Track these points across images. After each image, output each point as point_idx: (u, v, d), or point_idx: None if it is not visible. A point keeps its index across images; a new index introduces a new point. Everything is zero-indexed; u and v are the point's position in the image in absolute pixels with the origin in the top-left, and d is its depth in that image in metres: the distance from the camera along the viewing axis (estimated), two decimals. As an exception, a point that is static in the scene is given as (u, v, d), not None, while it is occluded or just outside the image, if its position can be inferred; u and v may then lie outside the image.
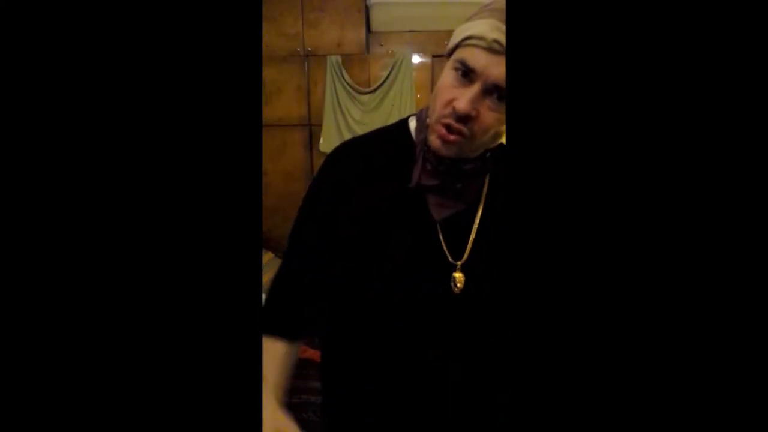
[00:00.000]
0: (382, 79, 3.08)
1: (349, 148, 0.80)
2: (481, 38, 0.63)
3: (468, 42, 0.64)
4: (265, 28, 3.09)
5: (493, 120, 0.66)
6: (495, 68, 0.63)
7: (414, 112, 0.87)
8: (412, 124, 0.78)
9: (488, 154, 0.73)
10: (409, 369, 0.72)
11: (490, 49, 0.63)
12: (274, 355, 0.77)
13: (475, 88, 0.65)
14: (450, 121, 0.66)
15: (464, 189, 0.73)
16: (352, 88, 3.10)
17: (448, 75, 0.67)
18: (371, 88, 3.11)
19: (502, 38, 0.62)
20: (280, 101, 3.16)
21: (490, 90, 0.65)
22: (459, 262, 0.73)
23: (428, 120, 0.71)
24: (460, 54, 0.66)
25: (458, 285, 0.72)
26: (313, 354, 2.67)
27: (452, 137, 0.67)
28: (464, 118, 0.65)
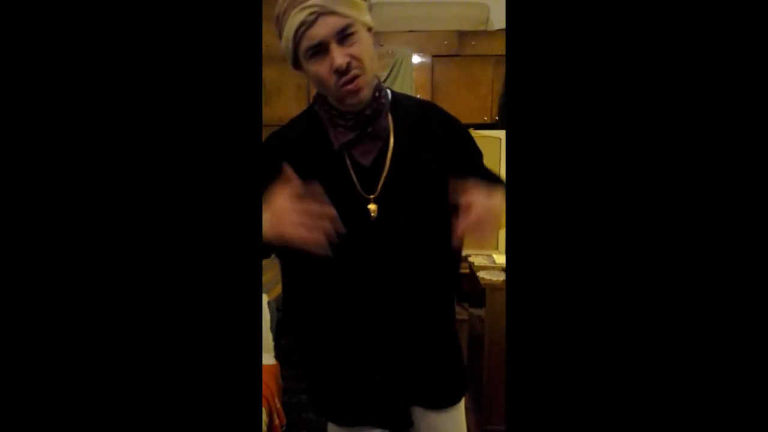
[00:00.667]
0: (382, 79, 3.08)
1: (274, 137, 0.97)
2: (304, 22, 0.78)
3: (301, 35, 0.80)
4: (265, 28, 3.07)
5: (359, 51, 0.81)
6: (323, 27, 0.78)
7: None
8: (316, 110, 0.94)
9: (377, 94, 0.89)
10: (339, 281, 0.91)
11: (312, 22, 0.78)
12: None
13: (333, 47, 0.80)
14: (344, 79, 0.81)
15: (375, 130, 0.89)
16: (352, 87, 3.10)
17: (316, 69, 0.82)
18: None
19: (312, 7, 0.77)
20: (279, 101, 3.16)
21: (337, 40, 0.80)
22: (372, 196, 0.90)
23: (329, 98, 0.87)
24: (304, 49, 0.81)
25: (372, 214, 0.90)
26: (313, 354, 2.67)
27: (355, 83, 0.82)
28: (347, 68, 0.80)
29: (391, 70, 3.07)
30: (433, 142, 0.95)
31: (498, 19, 3.25)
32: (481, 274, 2.04)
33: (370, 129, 0.89)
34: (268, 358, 1.89)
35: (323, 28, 0.79)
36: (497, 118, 3.16)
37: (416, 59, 3.09)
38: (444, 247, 0.95)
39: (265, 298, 1.89)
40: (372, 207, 0.90)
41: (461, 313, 3.16)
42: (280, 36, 0.84)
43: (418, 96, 3.09)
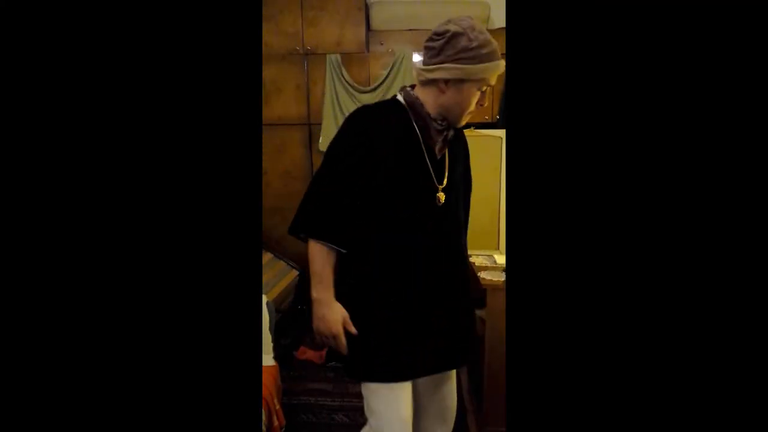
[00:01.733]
0: (382, 78, 3.07)
1: (362, 113, 1.21)
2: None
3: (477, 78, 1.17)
4: (265, 26, 3.07)
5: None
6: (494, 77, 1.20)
7: None
8: (400, 98, 1.22)
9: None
10: (411, 252, 1.17)
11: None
12: (325, 256, 1.18)
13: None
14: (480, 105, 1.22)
15: (444, 142, 1.22)
16: (352, 86, 3.09)
17: (471, 92, 1.17)
18: (371, 87, 3.10)
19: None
20: (279, 100, 3.15)
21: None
22: (441, 186, 1.20)
23: (440, 110, 1.19)
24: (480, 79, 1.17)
25: (440, 201, 1.20)
26: (313, 356, 2.66)
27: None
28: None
29: (390, 69, 3.06)
30: (462, 147, 1.34)
31: (499, 18, 3.24)
32: (482, 274, 2.04)
33: (449, 134, 1.22)
34: (268, 359, 1.88)
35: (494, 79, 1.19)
36: (498, 117, 3.15)
37: (416, 58, 3.08)
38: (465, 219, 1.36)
39: (264, 299, 1.89)
40: (440, 195, 1.20)
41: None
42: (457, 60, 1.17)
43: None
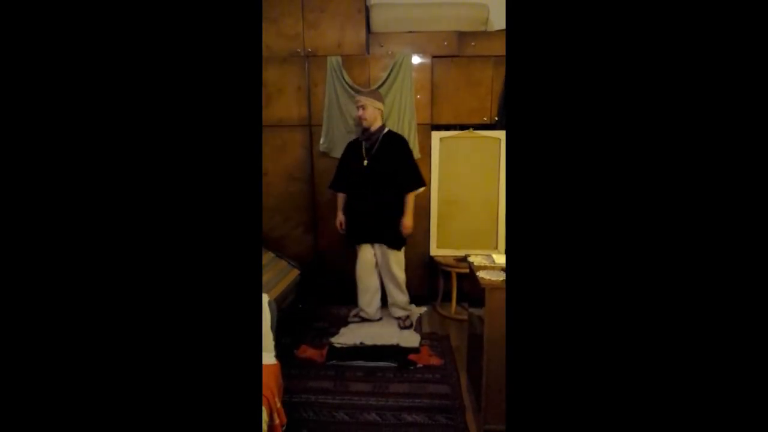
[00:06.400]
0: (382, 80, 3.10)
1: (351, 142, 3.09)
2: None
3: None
4: (265, 29, 3.10)
5: (368, 116, 2.90)
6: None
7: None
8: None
9: (377, 128, 2.95)
10: (357, 194, 2.99)
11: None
12: (340, 198, 3.08)
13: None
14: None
15: (371, 141, 2.95)
16: (352, 88, 3.11)
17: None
18: (371, 89, 3.12)
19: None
20: (280, 102, 3.17)
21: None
22: (365, 159, 2.93)
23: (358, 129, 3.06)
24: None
25: (365, 163, 2.93)
26: (313, 354, 2.69)
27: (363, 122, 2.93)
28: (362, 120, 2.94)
29: (390, 71, 3.08)
30: (391, 144, 2.92)
31: (498, 20, 3.26)
32: (480, 274, 2.05)
33: (372, 139, 2.94)
34: (269, 358, 1.90)
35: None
36: (497, 118, 3.17)
37: (416, 60, 3.11)
38: (395, 180, 2.90)
39: (265, 298, 1.90)
40: (365, 162, 2.92)
41: (461, 313, 3.18)
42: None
43: (418, 96, 3.11)
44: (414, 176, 2.90)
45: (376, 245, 2.99)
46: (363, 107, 2.81)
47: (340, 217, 3.02)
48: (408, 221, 2.90)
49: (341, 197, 3.02)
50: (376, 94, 2.87)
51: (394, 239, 2.95)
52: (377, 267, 3.04)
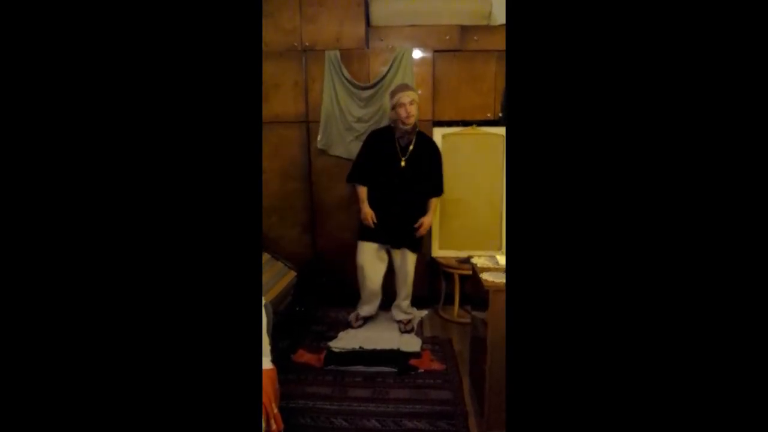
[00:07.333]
0: (382, 74, 3.02)
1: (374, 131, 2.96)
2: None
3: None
4: (264, 24, 3.01)
5: (416, 112, 2.74)
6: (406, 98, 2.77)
7: None
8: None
9: (415, 128, 2.80)
10: (388, 194, 2.84)
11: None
12: (362, 190, 2.86)
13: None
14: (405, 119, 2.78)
15: (408, 140, 2.80)
16: (351, 83, 3.03)
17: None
18: (371, 84, 3.05)
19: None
20: (277, 98, 3.09)
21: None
22: (404, 159, 2.79)
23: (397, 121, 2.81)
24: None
25: (402, 164, 2.79)
26: (310, 358, 2.62)
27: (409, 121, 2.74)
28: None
29: (391, 66, 3.00)
30: (426, 147, 2.84)
31: (500, 14, 3.19)
32: (484, 275, 1.98)
33: (407, 137, 2.79)
34: (265, 362, 1.83)
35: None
36: (501, 114, 3.10)
37: (417, 54, 3.03)
38: (426, 184, 2.85)
39: (262, 301, 1.83)
40: (403, 163, 2.77)
41: (464, 316, 3.11)
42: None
43: (419, 92, 3.03)
44: (440, 183, 2.86)
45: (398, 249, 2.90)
46: (412, 102, 2.62)
47: (369, 210, 2.79)
48: (430, 221, 2.85)
49: (363, 189, 2.82)
50: (412, 87, 2.73)
51: (417, 243, 2.90)
52: (381, 263, 2.94)
